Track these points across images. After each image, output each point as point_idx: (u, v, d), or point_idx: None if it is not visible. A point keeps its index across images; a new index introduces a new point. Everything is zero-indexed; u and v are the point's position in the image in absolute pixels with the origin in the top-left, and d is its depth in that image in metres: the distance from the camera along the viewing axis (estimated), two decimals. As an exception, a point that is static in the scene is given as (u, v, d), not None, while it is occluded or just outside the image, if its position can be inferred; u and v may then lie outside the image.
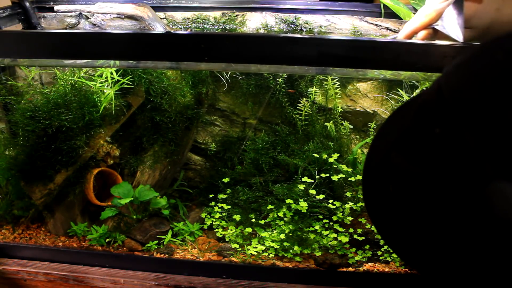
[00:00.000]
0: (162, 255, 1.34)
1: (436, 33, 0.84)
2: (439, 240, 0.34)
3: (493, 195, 0.29)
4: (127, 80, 1.31)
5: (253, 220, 1.38)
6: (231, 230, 1.39)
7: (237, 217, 1.39)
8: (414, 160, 0.35)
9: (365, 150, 1.45)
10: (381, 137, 0.50)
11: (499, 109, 0.28)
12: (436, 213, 0.34)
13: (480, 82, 0.30)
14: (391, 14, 1.46)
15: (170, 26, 1.53)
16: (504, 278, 0.30)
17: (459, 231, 0.32)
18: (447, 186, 0.32)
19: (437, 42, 0.82)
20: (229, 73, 1.48)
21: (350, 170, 1.35)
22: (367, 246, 1.31)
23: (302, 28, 1.51)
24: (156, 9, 1.51)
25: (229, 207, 1.43)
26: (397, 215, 0.40)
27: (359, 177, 1.32)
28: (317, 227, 1.31)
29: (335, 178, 1.32)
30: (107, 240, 1.38)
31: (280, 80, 1.45)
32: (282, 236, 1.31)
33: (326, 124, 1.44)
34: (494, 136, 0.29)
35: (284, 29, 1.52)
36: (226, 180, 1.48)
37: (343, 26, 1.49)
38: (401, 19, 1.43)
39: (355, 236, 1.30)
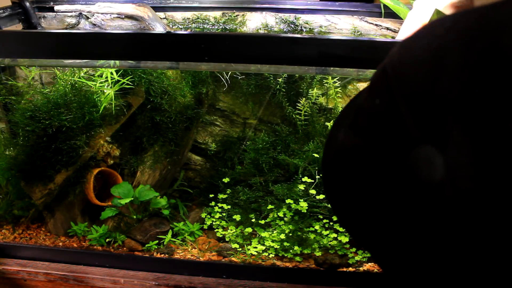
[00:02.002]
0: (162, 255, 1.34)
1: None
2: (381, 216, 0.36)
3: (418, 159, 0.30)
4: (127, 80, 1.31)
5: (253, 220, 1.38)
6: (231, 230, 1.39)
7: (237, 217, 1.39)
8: (360, 135, 0.38)
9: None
10: (339, 120, 0.53)
11: (431, 79, 0.30)
12: (375, 186, 0.36)
13: (417, 55, 0.32)
14: (391, 14, 1.46)
15: (170, 26, 1.53)
16: (432, 244, 0.32)
17: (392, 201, 0.34)
18: (381, 157, 0.34)
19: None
20: (229, 73, 1.48)
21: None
22: (367, 246, 1.31)
23: (302, 28, 1.51)
24: (156, 9, 1.51)
25: (229, 207, 1.43)
26: (350, 195, 0.42)
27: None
28: (317, 227, 1.31)
29: (335, 178, 1.32)
30: (107, 240, 1.38)
31: (280, 80, 1.45)
32: (282, 236, 1.31)
33: (327, 124, 1.44)
34: (423, 104, 0.31)
35: (284, 29, 1.52)
36: (226, 180, 1.48)
37: (343, 26, 1.49)
38: (401, 19, 1.43)
39: (355, 236, 1.30)
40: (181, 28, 1.53)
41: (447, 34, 0.30)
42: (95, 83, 1.31)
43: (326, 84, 1.44)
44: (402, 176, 0.32)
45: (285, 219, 1.34)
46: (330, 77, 1.41)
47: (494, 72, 0.27)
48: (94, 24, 1.46)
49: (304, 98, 1.45)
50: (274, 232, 1.34)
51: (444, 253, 0.30)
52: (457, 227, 0.28)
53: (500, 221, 0.26)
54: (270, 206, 1.36)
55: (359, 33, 1.47)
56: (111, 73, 1.30)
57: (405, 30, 0.94)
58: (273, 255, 1.32)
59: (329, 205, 1.32)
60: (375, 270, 1.28)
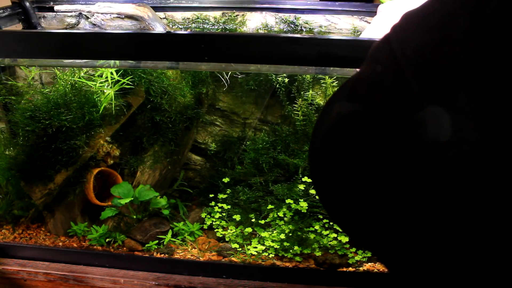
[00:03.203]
0: (162, 255, 1.34)
1: None
2: (382, 190, 0.35)
3: (423, 120, 0.30)
4: (127, 80, 1.31)
5: (253, 220, 1.38)
6: (231, 230, 1.39)
7: (237, 217, 1.39)
8: (360, 101, 0.36)
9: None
10: (327, 105, 0.52)
11: (437, 44, 0.30)
12: (375, 156, 0.34)
13: (423, 22, 0.33)
14: (391, 14, 1.46)
15: (170, 26, 1.53)
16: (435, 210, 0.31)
17: (394, 171, 0.33)
18: (384, 121, 0.33)
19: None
20: (229, 73, 1.48)
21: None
22: (367, 246, 1.31)
23: (302, 28, 1.51)
24: (156, 9, 1.51)
25: (229, 207, 1.43)
26: (346, 174, 0.41)
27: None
28: (317, 227, 1.31)
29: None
30: (107, 240, 1.38)
31: (280, 79, 1.45)
32: (282, 236, 1.31)
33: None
34: (428, 68, 0.31)
35: (284, 29, 1.52)
36: (226, 180, 1.48)
37: (343, 26, 1.49)
38: (401, 19, 1.42)
39: (355, 236, 1.30)
40: (181, 28, 1.53)
41: (455, 0, 0.30)
42: (95, 83, 1.31)
43: (323, 85, 1.44)
44: (405, 139, 0.32)
45: (285, 219, 1.34)
46: (327, 77, 1.41)
47: (503, 36, 0.26)
48: (94, 24, 1.46)
49: (300, 99, 1.45)
50: (274, 232, 1.34)
51: (446, 224, 0.29)
52: (460, 194, 0.28)
53: (505, 188, 0.26)
54: (270, 206, 1.36)
55: (359, 33, 1.47)
56: (111, 73, 1.30)
57: (368, 34, 0.95)
58: (273, 255, 1.32)
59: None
60: (375, 270, 1.28)
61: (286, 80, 1.44)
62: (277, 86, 1.45)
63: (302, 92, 1.44)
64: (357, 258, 1.29)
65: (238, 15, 1.52)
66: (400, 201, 0.33)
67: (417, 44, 0.32)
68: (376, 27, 1.06)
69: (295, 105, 1.46)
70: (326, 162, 0.44)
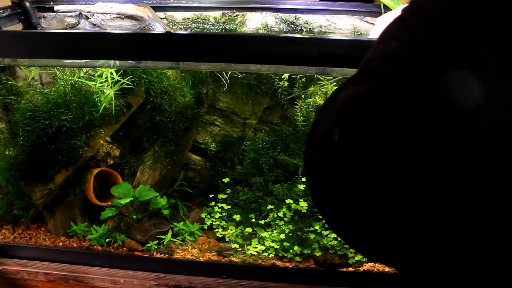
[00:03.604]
0: (162, 255, 1.34)
1: None
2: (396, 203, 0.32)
3: (450, 85, 0.28)
4: (127, 80, 1.31)
5: (253, 220, 1.38)
6: (231, 230, 1.39)
7: (237, 217, 1.39)
8: (377, 77, 0.34)
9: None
10: (326, 104, 0.49)
11: (460, 11, 0.29)
12: (394, 135, 0.32)
13: None
14: (391, 14, 1.46)
15: (170, 26, 1.53)
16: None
17: (415, 150, 0.30)
18: (406, 93, 0.31)
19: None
20: (229, 73, 1.48)
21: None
22: (367, 246, 1.31)
23: (302, 28, 1.51)
24: (156, 9, 1.51)
25: (229, 207, 1.43)
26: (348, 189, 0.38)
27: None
28: (317, 227, 1.31)
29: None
30: (107, 240, 1.38)
31: (281, 83, 1.45)
32: (282, 236, 1.31)
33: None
34: (450, 35, 0.29)
35: (284, 29, 1.52)
36: (226, 180, 1.48)
37: (343, 26, 1.49)
38: (401, 19, 1.43)
39: (355, 236, 1.30)
40: (181, 28, 1.53)
41: None
42: (95, 83, 1.31)
43: (323, 87, 1.44)
44: (430, 109, 0.29)
45: (285, 219, 1.34)
46: (323, 77, 1.41)
47: None
48: (94, 24, 1.46)
49: (300, 100, 1.45)
50: (274, 232, 1.34)
51: (475, 201, 0.27)
52: (491, 164, 0.26)
53: None
54: (270, 206, 1.36)
55: (359, 33, 1.47)
56: (111, 73, 1.30)
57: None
58: (273, 255, 1.32)
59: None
60: (375, 270, 1.28)
61: (286, 84, 1.44)
62: (278, 88, 1.45)
63: (302, 96, 1.45)
64: (357, 258, 1.29)
65: (238, 15, 1.52)
66: (422, 184, 0.30)
67: (436, 14, 0.31)
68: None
69: (295, 106, 1.46)
70: (328, 161, 0.41)
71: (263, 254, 1.32)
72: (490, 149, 0.26)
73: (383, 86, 0.32)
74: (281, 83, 1.45)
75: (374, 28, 1.08)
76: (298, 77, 1.44)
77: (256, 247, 1.33)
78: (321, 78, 1.42)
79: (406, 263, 0.36)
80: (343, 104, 0.36)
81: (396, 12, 1.15)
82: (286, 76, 1.44)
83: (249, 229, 1.37)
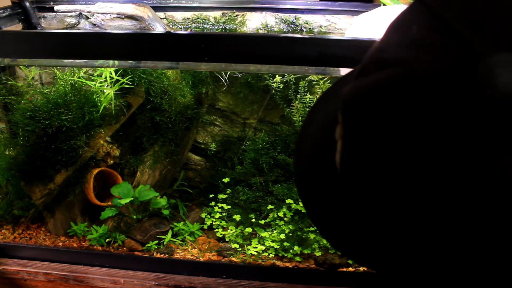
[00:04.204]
0: (162, 255, 1.34)
1: None
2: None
3: (492, 71, 0.25)
4: (127, 80, 1.31)
5: (253, 220, 1.38)
6: (231, 230, 1.39)
7: (237, 217, 1.39)
8: (401, 64, 0.29)
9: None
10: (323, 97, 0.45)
11: None
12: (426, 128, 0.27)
13: None
14: (391, 14, 1.46)
15: (170, 26, 1.53)
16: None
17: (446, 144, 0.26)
18: (439, 81, 0.27)
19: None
20: (228, 73, 1.48)
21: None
22: (367, 246, 1.31)
23: (302, 28, 1.51)
24: (156, 9, 1.51)
25: (229, 207, 1.43)
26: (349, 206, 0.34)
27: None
28: (317, 227, 1.31)
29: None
30: (107, 240, 1.38)
31: (275, 84, 1.45)
32: (282, 236, 1.31)
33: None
34: (485, 19, 0.27)
35: (284, 29, 1.52)
36: (226, 180, 1.48)
37: (343, 26, 1.49)
38: (401, 19, 1.42)
39: (355, 236, 1.30)
40: (181, 28, 1.53)
41: None
42: (95, 83, 1.31)
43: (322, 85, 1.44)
44: (467, 97, 0.26)
45: (285, 219, 1.35)
46: (319, 78, 1.41)
47: None
48: (94, 24, 1.46)
49: (297, 101, 1.44)
50: (274, 232, 1.34)
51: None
52: None
53: None
54: (270, 206, 1.36)
55: (359, 33, 1.47)
56: (110, 73, 1.30)
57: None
58: (273, 255, 1.32)
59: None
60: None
61: (281, 86, 1.44)
62: (273, 91, 1.45)
63: (299, 96, 1.44)
64: (357, 258, 1.29)
65: (238, 15, 1.52)
66: (449, 184, 0.27)
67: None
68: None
69: (292, 106, 1.46)
70: (324, 164, 0.37)
71: (263, 254, 1.32)
72: None
73: (407, 74, 0.28)
74: (275, 85, 1.45)
75: (350, 27, 1.07)
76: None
77: (256, 247, 1.33)
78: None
79: (408, 270, 0.33)
80: (350, 97, 0.32)
81: (377, 12, 1.14)
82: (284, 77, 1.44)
83: (249, 229, 1.37)
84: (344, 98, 0.32)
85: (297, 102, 1.44)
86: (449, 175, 0.27)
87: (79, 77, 1.31)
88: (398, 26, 0.32)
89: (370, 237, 0.34)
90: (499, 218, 0.25)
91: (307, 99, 1.44)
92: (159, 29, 1.43)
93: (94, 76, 1.32)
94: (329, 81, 1.43)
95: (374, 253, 0.35)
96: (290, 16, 1.50)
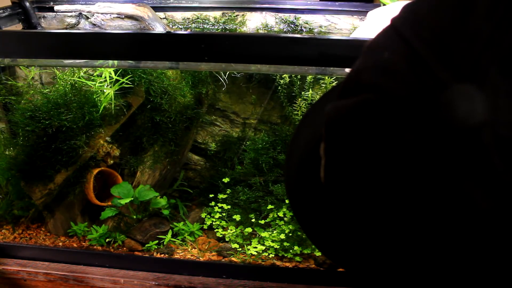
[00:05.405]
0: (162, 255, 1.34)
1: None
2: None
3: (452, 99, 0.26)
4: (127, 80, 1.31)
5: (253, 220, 1.38)
6: (231, 230, 1.39)
7: (237, 217, 1.39)
8: (369, 90, 0.31)
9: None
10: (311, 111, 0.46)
11: (458, 21, 0.28)
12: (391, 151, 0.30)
13: (438, 2, 0.30)
14: (391, 14, 1.46)
15: (170, 26, 1.53)
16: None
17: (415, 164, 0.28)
18: (403, 106, 0.29)
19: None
20: (227, 73, 1.48)
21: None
22: (367, 246, 1.31)
23: (302, 28, 1.51)
24: (156, 9, 1.51)
25: (229, 207, 1.43)
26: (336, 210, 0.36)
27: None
28: (317, 227, 1.31)
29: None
30: (107, 240, 1.38)
31: (282, 81, 1.45)
32: (282, 236, 1.31)
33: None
34: (449, 45, 0.28)
35: (284, 29, 1.52)
36: (226, 180, 1.48)
37: (343, 26, 1.49)
38: (401, 19, 1.42)
39: (355, 236, 1.30)
40: (181, 28, 1.53)
41: None
42: (95, 83, 1.31)
43: (323, 85, 1.44)
44: (430, 124, 0.27)
45: (285, 219, 1.35)
46: (326, 77, 1.41)
47: None
48: (94, 24, 1.46)
49: (300, 99, 1.45)
50: (274, 232, 1.34)
51: (477, 219, 0.26)
52: (495, 182, 0.25)
53: None
54: (270, 206, 1.36)
55: (359, 33, 1.47)
56: (109, 73, 1.30)
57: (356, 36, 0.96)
58: (273, 255, 1.32)
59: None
60: (375, 270, 1.28)
61: (287, 79, 1.44)
62: (278, 87, 1.45)
63: (303, 92, 1.45)
64: (357, 258, 1.29)
65: (238, 15, 1.52)
66: (420, 203, 0.29)
67: (433, 24, 0.29)
68: (364, 32, 1.07)
69: (295, 105, 1.46)
70: (311, 176, 0.38)
71: (263, 254, 1.32)
72: (494, 166, 0.24)
73: (378, 99, 0.30)
74: (281, 81, 1.45)
75: (364, 22, 1.07)
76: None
77: (256, 247, 1.33)
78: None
79: (380, 273, 0.35)
80: (331, 118, 0.34)
81: (390, 8, 1.14)
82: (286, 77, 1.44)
83: (249, 229, 1.37)
84: (326, 118, 0.34)
85: (300, 100, 1.44)
86: (419, 195, 0.28)
87: (79, 77, 1.31)
88: (372, 49, 0.34)
89: (350, 242, 0.36)
90: (469, 237, 0.27)
91: (309, 97, 1.44)
92: (159, 29, 1.43)
93: (94, 76, 1.32)
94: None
95: (353, 256, 0.37)
96: (290, 16, 1.50)
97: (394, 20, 0.33)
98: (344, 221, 0.35)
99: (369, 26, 1.08)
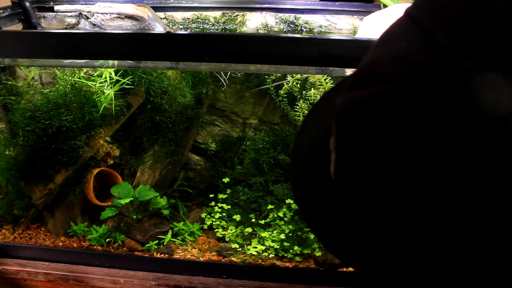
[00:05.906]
0: (162, 255, 1.34)
1: None
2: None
3: (477, 90, 0.25)
4: (127, 80, 1.31)
5: (253, 220, 1.38)
6: (231, 230, 1.39)
7: (237, 217, 1.39)
8: (386, 80, 0.30)
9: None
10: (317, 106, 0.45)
11: (480, 9, 0.27)
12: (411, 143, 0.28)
13: None
14: (391, 14, 1.46)
15: (170, 26, 1.53)
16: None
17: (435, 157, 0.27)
18: (424, 97, 0.28)
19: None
20: (228, 73, 1.48)
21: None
22: (367, 246, 1.31)
23: (302, 28, 1.51)
24: (156, 9, 1.51)
25: (229, 207, 1.43)
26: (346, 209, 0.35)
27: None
28: (317, 227, 1.31)
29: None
30: (107, 240, 1.38)
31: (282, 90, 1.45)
32: (282, 236, 1.31)
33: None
34: (471, 34, 0.27)
35: (284, 29, 1.52)
36: (226, 180, 1.48)
37: (343, 26, 1.49)
38: (401, 19, 1.42)
39: (355, 236, 1.30)
40: (181, 28, 1.53)
41: None
42: (95, 83, 1.31)
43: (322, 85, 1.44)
44: (452, 115, 0.27)
45: (285, 219, 1.35)
46: (322, 78, 1.41)
47: None
48: (94, 24, 1.46)
49: (301, 100, 1.45)
50: (274, 232, 1.34)
51: (502, 213, 0.25)
52: None
53: None
54: (270, 206, 1.36)
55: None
56: (110, 73, 1.30)
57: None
58: (273, 255, 1.32)
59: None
60: (375, 270, 1.28)
61: (290, 79, 1.44)
62: (272, 89, 1.45)
63: (304, 92, 1.45)
64: (357, 258, 1.29)
65: (238, 15, 1.53)
66: (442, 194, 0.27)
67: (453, 12, 0.29)
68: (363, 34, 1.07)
69: (296, 106, 1.46)
70: (318, 172, 0.37)
71: (263, 254, 1.32)
72: None
73: (397, 91, 0.29)
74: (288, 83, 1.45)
75: (361, 27, 1.08)
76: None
77: (256, 247, 1.33)
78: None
79: (391, 272, 0.34)
80: (344, 111, 0.32)
81: (388, 11, 1.14)
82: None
83: (249, 229, 1.37)
84: (337, 111, 0.33)
85: (301, 101, 1.44)
86: (438, 190, 0.27)
87: (79, 77, 1.31)
88: (388, 39, 0.33)
89: (360, 240, 0.35)
90: (492, 233, 0.26)
91: (312, 97, 1.44)
92: (159, 29, 1.43)
93: (94, 76, 1.32)
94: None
95: (363, 255, 0.36)
96: (290, 16, 1.50)
97: (410, 10, 0.32)
98: (355, 218, 0.34)
99: (367, 30, 1.08)
